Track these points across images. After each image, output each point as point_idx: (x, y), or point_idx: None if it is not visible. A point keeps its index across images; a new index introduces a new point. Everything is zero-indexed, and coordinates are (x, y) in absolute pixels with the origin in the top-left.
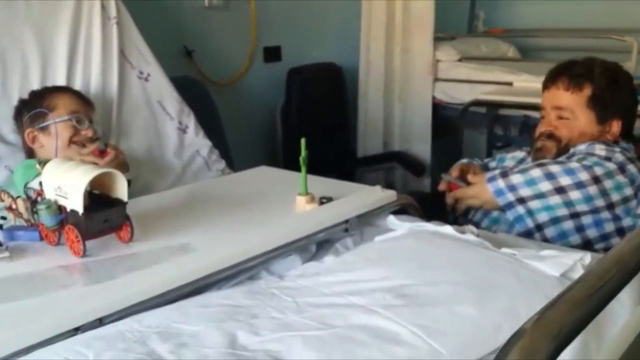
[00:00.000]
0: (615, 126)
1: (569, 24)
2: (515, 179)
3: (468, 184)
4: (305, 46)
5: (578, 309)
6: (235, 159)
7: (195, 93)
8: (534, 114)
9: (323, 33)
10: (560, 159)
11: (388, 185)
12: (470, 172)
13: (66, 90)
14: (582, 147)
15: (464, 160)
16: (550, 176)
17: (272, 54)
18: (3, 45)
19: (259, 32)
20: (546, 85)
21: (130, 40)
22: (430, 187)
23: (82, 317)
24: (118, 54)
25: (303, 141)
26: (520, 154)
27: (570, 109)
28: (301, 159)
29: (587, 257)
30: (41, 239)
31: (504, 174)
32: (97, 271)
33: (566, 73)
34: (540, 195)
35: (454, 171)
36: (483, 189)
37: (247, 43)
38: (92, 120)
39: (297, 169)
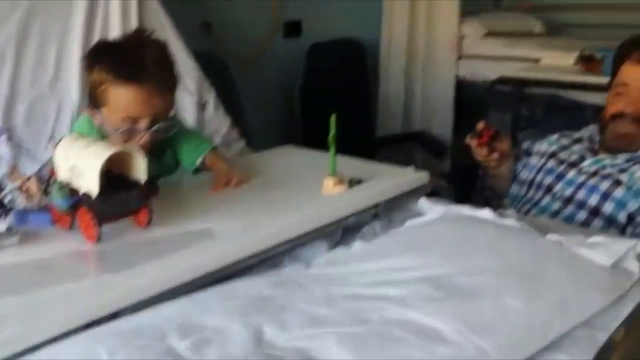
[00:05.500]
0: None
1: None
2: None
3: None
4: (326, 21)
5: None
6: (253, 137)
7: (213, 68)
8: (562, 93)
9: (346, 7)
10: None
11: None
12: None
13: None
14: None
15: None
16: None
17: (293, 29)
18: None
19: (280, 5)
20: (633, 59)
21: (150, 11)
22: (450, 169)
23: (96, 310)
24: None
25: (333, 118)
26: (554, 137)
27: None
28: (330, 137)
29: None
30: (53, 222)
31: None
32: (113, 259)
33: None
34: None
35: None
36: None
37: (268, 17)
38: None
39: (316, 147)
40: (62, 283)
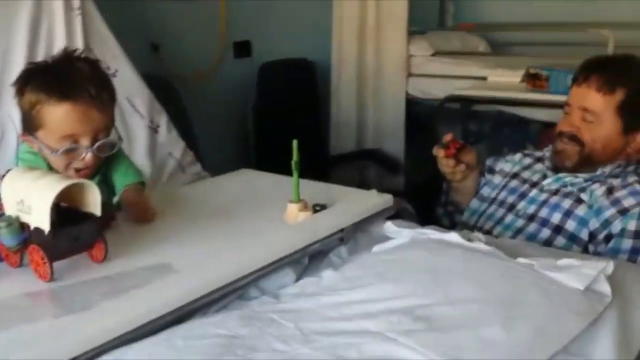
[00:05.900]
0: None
1: (538, 17)
2: None
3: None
4: (276, 41)
5: None
6: (205, 160)
7: (162, 91)
8: (508, 109)
9: (295, 27)
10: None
11: (362, 183)
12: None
13: None
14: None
15: None
16: None
17: (242, 49)
18: None
19: (228, 26)
20: (578, 81)
21: (96, 33)
22: (404, 185)
23: (53, 358)
24: (84, 48)
25: (295, 143)
26: (517, 157)
27: (597, 113)
28: (293, 163)
29: (610, 267)
30: (1, 260)
31: None
32: (68, 299)
33: (601, 71)
34: None
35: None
36: None
37: (217, 38)
38: None
39: (271, 169)
40: (13, 327)
